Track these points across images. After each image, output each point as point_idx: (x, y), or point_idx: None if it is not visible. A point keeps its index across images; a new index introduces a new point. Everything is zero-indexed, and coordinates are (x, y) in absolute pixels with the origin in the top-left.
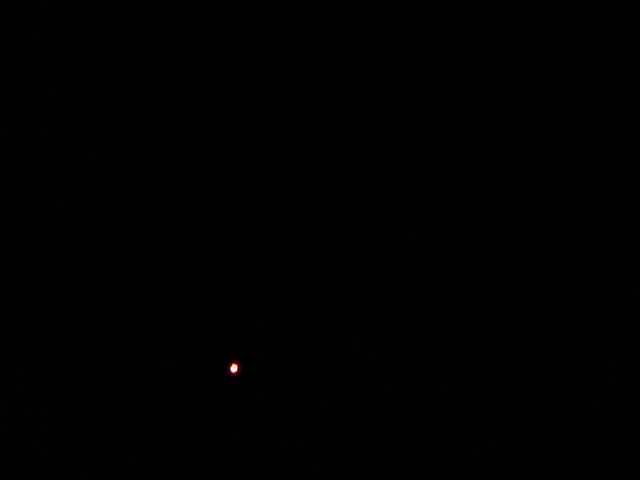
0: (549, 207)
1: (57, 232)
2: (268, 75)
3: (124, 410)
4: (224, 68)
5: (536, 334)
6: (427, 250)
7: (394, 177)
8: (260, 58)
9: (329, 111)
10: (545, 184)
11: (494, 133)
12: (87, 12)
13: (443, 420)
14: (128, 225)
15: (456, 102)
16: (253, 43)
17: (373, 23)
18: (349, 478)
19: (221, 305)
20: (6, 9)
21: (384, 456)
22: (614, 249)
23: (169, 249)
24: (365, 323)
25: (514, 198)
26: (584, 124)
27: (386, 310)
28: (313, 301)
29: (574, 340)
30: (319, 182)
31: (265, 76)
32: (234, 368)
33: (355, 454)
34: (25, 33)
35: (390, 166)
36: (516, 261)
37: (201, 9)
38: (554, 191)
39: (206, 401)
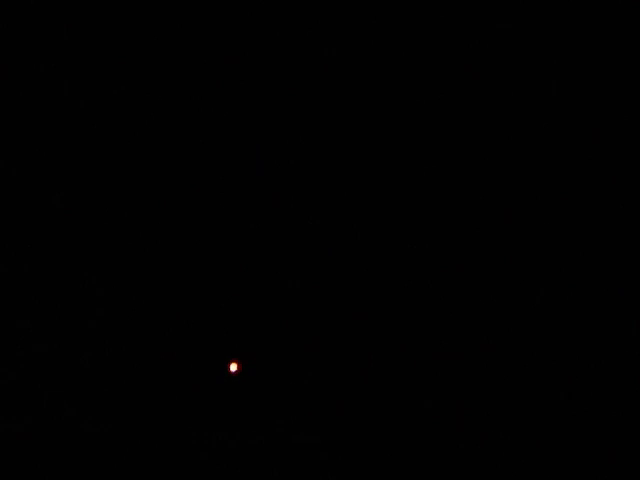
0: (549, 207)
1: (57, 232)
2: (268, 75)
3: (124, 409)
4: (224, 68)
5: (536, 334)
6: (427, 250)
7: (394, 177)
8: (260, 58)
9: (329, 111)
10: (545, 184)
11: (494, 133)
12: (87, 12)
13: (443, 420)
14: (128, 225)
15: (456, 102)
16: (253, 43)
17: (373, 23)
18: (349, 478)
19: (221, 305)
20: (6, 9)
21: (384, 456)
22: (614, 249)
23: (169, 250)
24: (365, 323)
25: (514, 198)
26: (584, 124)
27: (386, 310)
28: (312, 301)
29: (574, 340)
30: (319, 182)
31: (265, 76)
32: (234, 367)
33: (355, 453)
34: (25, 33)
35: (390, 166)
36: (516, 261)
37: (201, 9)
38: (554, 191)
39: (206, 399)
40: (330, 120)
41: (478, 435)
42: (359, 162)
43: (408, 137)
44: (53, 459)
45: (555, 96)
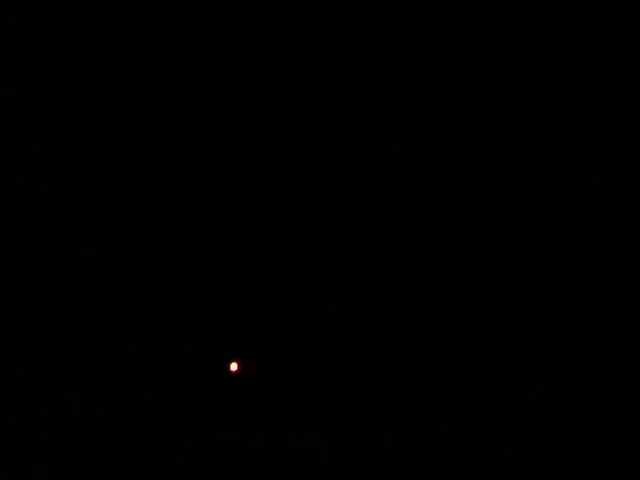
0: (549, 207)
1: (57, 232)
2: (268, 75)
3: (124, 408)
4: (224, 68)
5: (536, 334)
6: (427, 250)
7: (394, 177)
8: (260, 58)
9: (329, 111)
10: (545, 184)
11: (494, 133)
12: (87, 12)
13: (443, 420)
14: (128, 225)
15: (456, 102)
16: (253, 43)
17: (373, 23)
18: (348, 477)
19: (221, 305)
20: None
21: (383, 456)
22: (614, 249)
23: (169, 250)
24: (365, 323)
25: (514, 198)
26: (584, 124)
27: (385, 310)
28: (312, 301)
29: (574, 340)
30: (319, 182)
31: (265, 76)
32: (234, 366)
33: (354, 453)
34: (25, 33)
35: (390, 166)
36: (516, 261)
37: (201, 9)
38: (554, 191)
39: (206, 399)
40: (330, 120)
41: (478, 435)
42: (359, 162)
43: (408, 137)
44: (53, 459)
45: (555, 96)
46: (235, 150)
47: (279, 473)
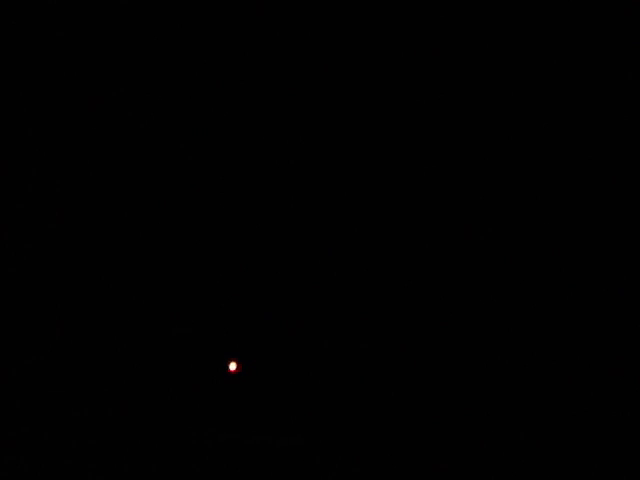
0: (549, 207)
1: (57, 232)
2: (268, 75)
3: (124, 407)
4: (224, 68)
5: (536, 334)
6: (427, 250)
7: (394, 177)
8: (260, 58)
9: (329, 111)
10: (545, 184)
11: (494, 133)
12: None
13: (442, 420)
14: (129, 225)
15: (456, 102)
16: (253, 43)
17: (373, 23)
18: (348, 477)
19: (221, 305)
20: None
21: (383, 455)
22: (614, 249)
23: (170, 250)
24: (364, 323)
25: (514, 198)
26: (584, 124)
27: (385, 310)
28: (312, 301)
29: (574, 340)
30: (319, 182)
31: (265, 76)
32: (233, 366)
33: (354, 453)
34: (25, 33)
35: (390, 166)
36: (516, 261)
37: (201, 9)
38: (554, 191)
39: (206, 399)
40: (330, 120)
41: (477, 435)
42: (359, 162)
43: (408, 137)
44: (53, 459)
45: (555, 96)
46: (235, 150)
47: (279, 473)
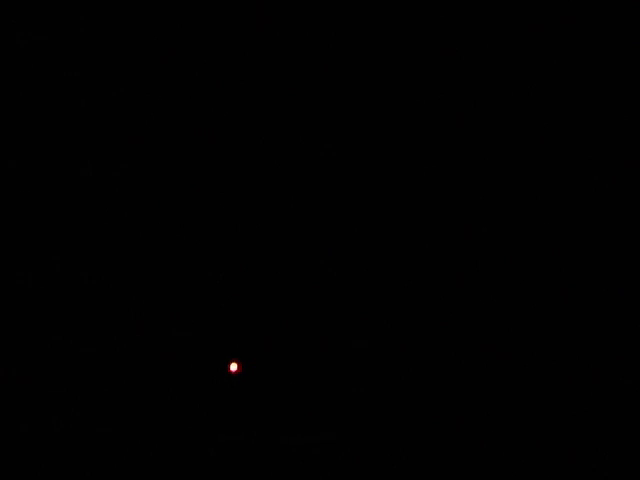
0: (549, 207)
1: (57, 232)
2: (268, 75)
3: (124, 408)
4: (224, 68)
5: (536, 334)
6: (427, 250)
7: (394, 177)
8: (260, 58)
9: (329, 112)
10: (545, 184)
11: (494, 133)
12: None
13: (443, 421)
14: (129, 225)
15: (456, 103)
16: (253, 43)
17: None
18: (348, 477)
19: (221, 305)
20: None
21: (383, 455)
22: (614, 249)
23: (170, 250)
24: (364, 323)
25: (514, 198)
26: (584, 124)
27: (385, 310)
28: (312, 301)
29: (574, 340)
30: (319, 182)
31: (265, 76)
32: (234, 366)
33: (354, 453)
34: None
35: (390, 166)
36: (516, 261)
37: (201, 9)
38: (554, 191)
39: (206, 399)
40: (330, 120)
41: (478, 435)
42: (359, 162)
43: (408, 137)
44: (53, 459)
45: (555, 96)
46: (235, 150)
47: (279, 473)
